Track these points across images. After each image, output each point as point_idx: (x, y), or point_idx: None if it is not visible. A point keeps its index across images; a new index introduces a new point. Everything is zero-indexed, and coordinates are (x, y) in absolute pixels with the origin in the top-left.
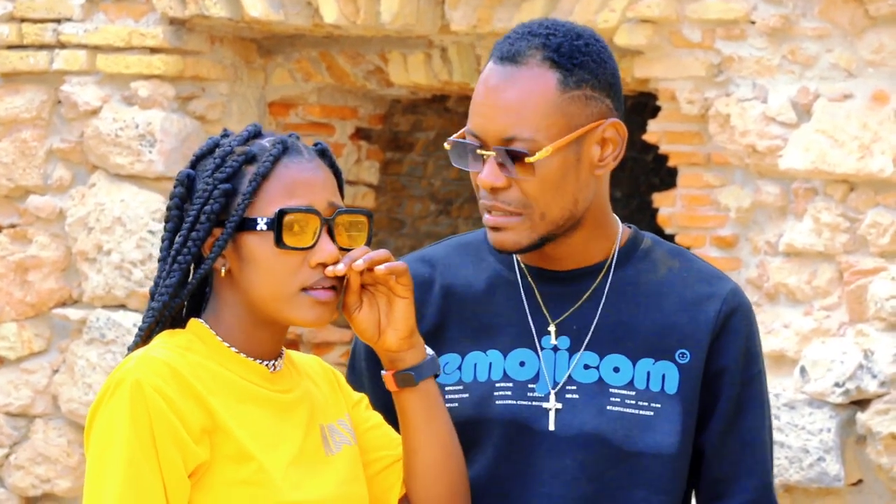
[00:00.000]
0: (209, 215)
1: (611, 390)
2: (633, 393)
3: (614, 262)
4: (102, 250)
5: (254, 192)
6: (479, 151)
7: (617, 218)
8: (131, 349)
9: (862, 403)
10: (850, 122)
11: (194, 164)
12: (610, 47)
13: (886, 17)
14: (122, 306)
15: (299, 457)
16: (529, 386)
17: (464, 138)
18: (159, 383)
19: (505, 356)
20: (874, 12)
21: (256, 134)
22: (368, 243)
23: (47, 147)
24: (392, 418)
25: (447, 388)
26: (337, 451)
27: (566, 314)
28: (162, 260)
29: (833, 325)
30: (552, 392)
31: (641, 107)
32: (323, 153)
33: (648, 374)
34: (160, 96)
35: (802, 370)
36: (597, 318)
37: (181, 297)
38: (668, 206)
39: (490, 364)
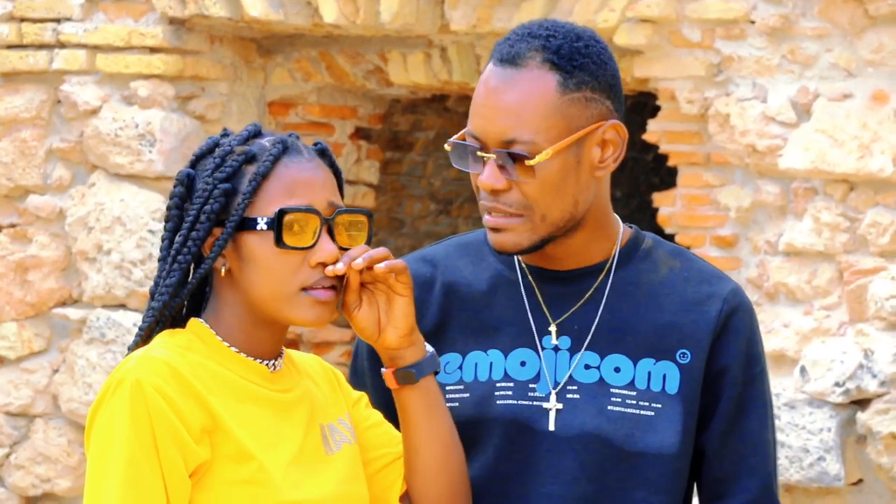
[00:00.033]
0: (209, 215)
1: (612, 390)
2: (634, 393)
3: (615, 262)
4: (102, 250)
5: (254, 192)
6: (479, 153)
7: (618, 218)
8: (131, 349)
9: (862, 403)
10: (850, 122)
11: (194, 164)
12: (610, 47)
13: (886, 16)
14: (122, 306)
15: (299, 456)
16: (530, 386)
17: (464, 139)
18: (159, 383)
19: (506, 356)
20: (874, 12)
21: (256, 133)
22: (368, 243)
23: (47, 147)
24: (394, 418)
25: (448, 388)
26: (337, 450)
27: (567, 314)
28: (162, 259)
29: (833, 325)
30: (553, 392)
31: (641, 106)
32: (323, 153)
33: (649, 374)
34: (160, 96)
35: (802, 370)
36: (598, 318)
37: (181, 296)
38: (667, 205)
39: (491, 364)
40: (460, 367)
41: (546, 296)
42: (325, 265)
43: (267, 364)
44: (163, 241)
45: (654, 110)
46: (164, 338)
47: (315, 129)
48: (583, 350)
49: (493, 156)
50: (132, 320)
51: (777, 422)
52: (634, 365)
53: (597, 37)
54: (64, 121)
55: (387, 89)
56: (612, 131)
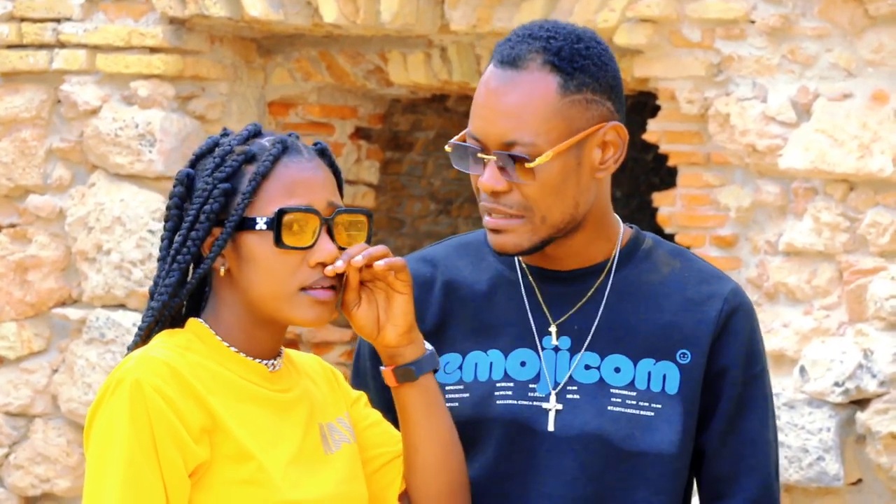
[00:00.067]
0: (209, 215)
1: (612, 391)
2: (634, 393)
3: (615, 262)
4: (102, 250)
5: (253, 192)
6: (479, 155)
7: (618, 218)
8: (131, 349)
9: (861, 403)
10: (850, 122)
11: (194, 164)
12: (610, 47)
13: (886, 16)
14: (122, 306)
15: (299, 456)
16: (530, 386)
17: (464, 141)
18: (159, 383)
19: (506, 356)
20: (874, 12)
21: (256, 133)
22: (368, 243)
23: (47, 147)
24: (395, 418)
25: (448, 388)
26: (336, 449)
27: (567, 314)
28: (161, 259)
29: (833, 325)
30: (553, 392)
31: (641, 106)
32: (322, 153)
33: (649, 374)
34: (160, 96)
35: (802, 370)
36: (598, 318)
37: (180, 296)
38: (667, 205)
39: (491, 364)
40: (460, 367)
41: (546, 296)
42: (324, 265)
43: (266, 364)
44: (162, 240)
45: (654, 110)
46: (164, 338)
47: (315, 128)
48: (583, 350)
49: (493, 157)
50: (132, 320)
51: (776, 421)
52: (634, 365)
53: (598, 38)
54: (64, 121)
55: (387, 89)
56: (613, 133)
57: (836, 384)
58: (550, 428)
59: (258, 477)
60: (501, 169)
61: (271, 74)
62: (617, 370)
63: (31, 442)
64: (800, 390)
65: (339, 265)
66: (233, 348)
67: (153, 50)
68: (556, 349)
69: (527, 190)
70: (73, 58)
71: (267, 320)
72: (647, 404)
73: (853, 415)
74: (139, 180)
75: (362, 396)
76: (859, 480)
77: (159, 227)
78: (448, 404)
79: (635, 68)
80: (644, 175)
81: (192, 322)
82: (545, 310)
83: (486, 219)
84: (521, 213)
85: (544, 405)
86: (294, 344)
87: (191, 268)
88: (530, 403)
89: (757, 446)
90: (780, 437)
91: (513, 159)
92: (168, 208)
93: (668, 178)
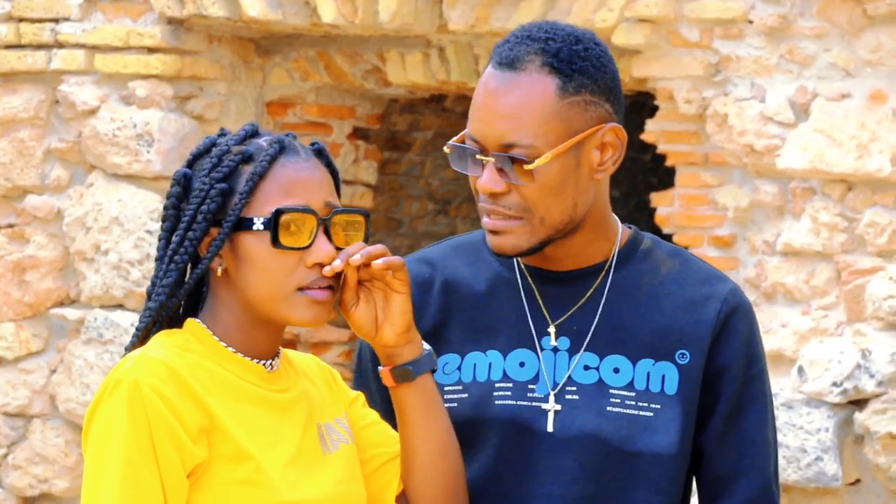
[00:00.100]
0: (206, 215)
1: (611, 391)
2: (633, 394)
3: (614, 262)
4: (100, 250)
5: (250, 192)
6: (478, 156)
7: (617, 219)
8: (129, 349)
9: (860, 403)
10: (848, 122)
11: (191, 164)
12: (608, 48)
13: (885, 16)
14: (120, 306)
15: (297, 456)
16: (529, 387)
17: (463, 142)
18: (157, 383)
19: (505, 357)
20: (872, 12)
21: (253, 133)
22: (365, 243)
23: (45, 147)
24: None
25: (446, 388)
26: (334, 449)
27: (566, 315)
28: (159, 259)
29: (831, 325)
30: (552, 393)
31: (639, 106)
32: (320, 153)
33: (648, 374)
34: (158, 96)
35: (800, 370)
36: (597, 318)
37: (178, 296)
38: (665, 205)
39: (490, 364)
40: (459, 368)
41: (545, 297)
42: (321, 265)
43: (264, 364)
44: (159, 240)
45: (653, 110)
46: (162, 338)
47: (313, 128)
48: (582, 351)
49: (492, 159)
50: (130, 320)
51: (775, 422)
52: (633, 365)
53: (596, 39)
54: (62, 121)
55: (385, 89)
56: (612, 134)
57: (835, 384)
58: (549, 428)
59: (256, 477)
60: (500, 170)
61: (269, 74)
62: (616, 371)
63: (30, 442)
64: (798, 390)
65: (337, 264)
66: (231, 348)
67: (151, 50)
68: (555, 350)
69: (525, 191)
70: (72, 58)
71: (264, 320)
72: (646, 405)
73: (851, 415)
74: (137, 180)
75: (360, 396)
76: (857, 480)
77: (157, 227)
78: (447, 405)
79: (633, 68)
80: (642, 175)
81: (190, 322)
82: (544, 310)
83: (485, 220)
84: (519, 214)
85: (543, 406)
86: (292, 344)
87: (188, 268)
88: (529, 404)
89: (756, 446)
90: (779, 437)
91: (511, 161)
92: (165, 208)
93: (666, 178)
